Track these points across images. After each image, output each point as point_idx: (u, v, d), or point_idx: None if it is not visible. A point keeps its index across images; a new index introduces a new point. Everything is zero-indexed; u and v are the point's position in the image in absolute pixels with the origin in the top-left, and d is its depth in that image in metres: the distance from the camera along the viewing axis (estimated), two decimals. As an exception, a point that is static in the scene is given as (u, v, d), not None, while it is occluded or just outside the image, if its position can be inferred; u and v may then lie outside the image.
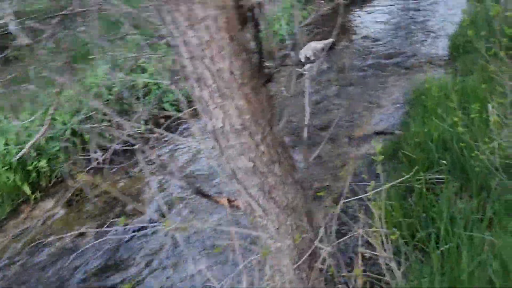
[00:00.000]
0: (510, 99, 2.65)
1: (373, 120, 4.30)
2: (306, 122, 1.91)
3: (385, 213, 1.99)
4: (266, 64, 1.45)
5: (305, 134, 1.98)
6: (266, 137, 1.34)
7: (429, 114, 3.55)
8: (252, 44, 1.42)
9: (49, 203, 4.03)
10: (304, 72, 5.74)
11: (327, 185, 3.51)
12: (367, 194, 1.84)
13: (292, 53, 1.68)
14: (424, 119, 3.47)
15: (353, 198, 1.93)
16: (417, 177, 2.74)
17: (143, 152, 1.55)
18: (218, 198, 1.76)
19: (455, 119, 2.89)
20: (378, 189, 1.88)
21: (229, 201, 1.67)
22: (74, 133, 4.57)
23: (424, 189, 2.69)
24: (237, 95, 1.23)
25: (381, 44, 6.33)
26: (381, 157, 1.91)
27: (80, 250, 3.11)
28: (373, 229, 1.86)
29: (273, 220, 1.50)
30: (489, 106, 2.73)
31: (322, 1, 8.60)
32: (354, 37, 6.91)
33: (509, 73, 2.74)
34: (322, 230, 1.63)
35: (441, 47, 5.42)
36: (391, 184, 2.05)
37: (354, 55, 6.09)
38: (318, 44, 6.18)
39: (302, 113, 2.01)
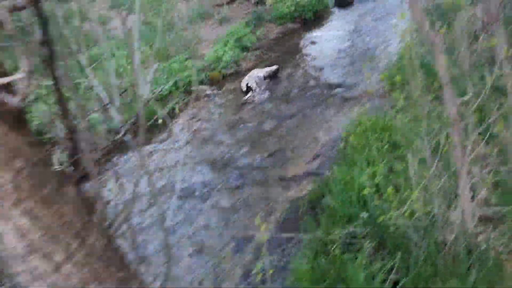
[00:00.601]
0: (429, 148, 2.51)
1: (307, 158, 4.12)
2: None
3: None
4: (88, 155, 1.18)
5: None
6: (75, 253, 1.06)
7: (357, 156, 3.40)
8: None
9: None
10: (245, 102, 5.54)
11: (251, 235, 3.27)
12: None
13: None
14: (350, 163, 3.31)
15: None
16: (333, 235, 2.55)
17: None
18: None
19: (375, 168, 2.74)
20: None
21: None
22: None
23: (340, 248, 2.50)
24: (16, 213, 0.96)
25: (325, 72, 6.25)
26: (265, 237, 1.67)
27: None
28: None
29: None
30: (409, 155, 2.58)
31: (273, 25, 8.53)
32: (300, 63, 6.81)
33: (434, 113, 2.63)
34: None
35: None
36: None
37: (297, 84, 5.96)
38: (260, 72, 6.02)
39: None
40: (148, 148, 4.83)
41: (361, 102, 4.87)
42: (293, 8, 8.10)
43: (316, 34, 8.23)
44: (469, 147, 1.70)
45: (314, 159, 4.06)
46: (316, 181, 3.63)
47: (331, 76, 6.01)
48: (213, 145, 4.62)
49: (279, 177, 3.88)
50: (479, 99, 1.70)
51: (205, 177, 4.02)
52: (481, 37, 4.14)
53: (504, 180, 2.47)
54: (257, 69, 6.14)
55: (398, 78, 3.15)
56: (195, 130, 5.07)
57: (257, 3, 9.10)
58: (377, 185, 2.85)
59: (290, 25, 8.66)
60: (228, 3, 9.25)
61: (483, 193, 2.26)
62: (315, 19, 9.11)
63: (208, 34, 8.06)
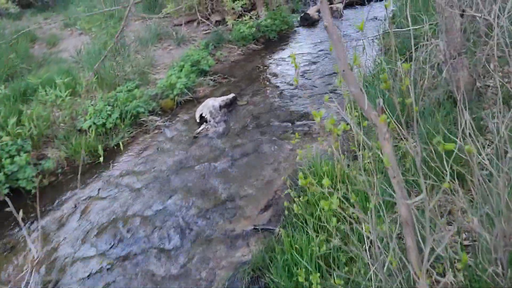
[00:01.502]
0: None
1: (259, 207, 3.65)
2: None
3: None
4: None
5: None
6: None
7: (307, 216, 2.95)
8: None
9: None
10: (198, 136, 5.04)
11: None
12: None
13: None
14: (300, 225, 2.85)
15: None
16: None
17: None
18: None
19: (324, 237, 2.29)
20: None
21: None
22: None
23: None
24: None
25: (286, 100, 5.84)
26: None
27: None
28: None
29: None
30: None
31: (234, 46, 8.11)
32: (260, 88, 6.39)
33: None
34: None
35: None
36: None
37: (256, 114, 5.51)
38: (215, 102, 5.54)
39: None
40: (81, 195, 4.24)
41: (322, 137, 4.47)
42: (253, 29, 7.70)
43: (279, 55, 7.86)
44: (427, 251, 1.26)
45: (266, 208, 3.59)
46: (264, 240, 3.16)
47: (292, 105, 5.60)
48: (153, 193, 4.07)
49: (225, 233, 3.38)
50: (437, 197, 1.27)
51: (137, 237, 3.46)
52: (445, 70, 3.82)
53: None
54: (212, 98, 5.66)
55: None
56: (136, 172, 4.51)
57: (219, 22, 8.68)
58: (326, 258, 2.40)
59: (252, 46, 8.28)
60: (187, 23, 8.80)
61: None
62: (279, 39, 8.78)
63: (164, 57, 7.55)
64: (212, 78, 6.85)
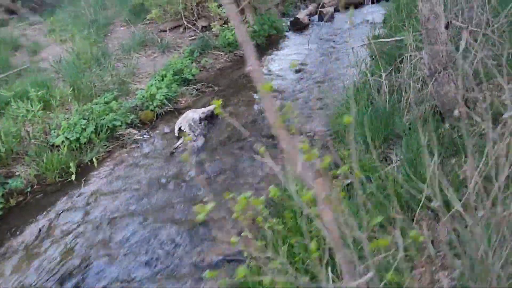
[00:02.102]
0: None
1: (232, 234, 3.39)
2: None
3: None
4: None
5: None
6: None
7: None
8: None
9: None
10: (174, 151, 4.80)
11: None
12: None
13: None
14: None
15: None
16: None
17: None
18: None
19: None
20: None
21: None
22: None
23: None
24: None
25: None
26: None
27: None
28: None
29: None
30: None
31: (221, 53, 7.87)
32: (244, 99, 6.15)
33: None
34: None
35: (325, 126, 4.73)
36: None
37: (236, 126, 5.25)
38: (196, 114, 5.30)
39: None
40: (47, 217, 4.00)
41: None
42: (239, 35, 7.44)
43: (266, 62, 7.62)
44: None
45: (239, 235, 3.34)
46: (233, 272, 2.91)
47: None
48: (123, 217, 3.83)
49: (194, 264, 3.14)
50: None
51: (100, 270, 3.22)
52: (430, 84, 3.59)
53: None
54: (192, 110, 5.42)
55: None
56: (107, 192, 4.27)
57: (205, 28, 8.44)
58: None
59: (239, 52, 8.03)
60: (173, 29, 8.56)
61: None
62: (268, 44, 8.54)
63: (147, 65, 7.31)
64: (195, 87, 6.61)
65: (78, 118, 5.12)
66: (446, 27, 3.29)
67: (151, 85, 5.99)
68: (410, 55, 3.62)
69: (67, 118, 5.14)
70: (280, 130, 1.08)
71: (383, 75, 4.22)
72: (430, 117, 3.70)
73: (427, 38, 3.27)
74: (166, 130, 5.49)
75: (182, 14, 8.32)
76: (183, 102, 6.23)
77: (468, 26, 3.10)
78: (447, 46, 3.31)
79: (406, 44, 3.81)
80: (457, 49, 3.46)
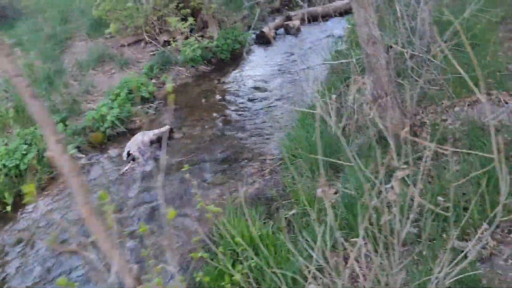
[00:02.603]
0: None
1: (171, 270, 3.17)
2: None
3: None
4: None
5: None
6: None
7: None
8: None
9: None
10: (119, 178, 4.55)
11: None
12: None
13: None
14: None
15: None
16: None
17: None
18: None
19: None
20: None
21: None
22: None
23: None
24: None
25: (227, 132, 5.41)
26: None
27: None
28: None
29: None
30: None
31: (182, 68, 7.66)
32: (202, 117, 5.94)
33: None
34: None
35: (276, 153, 4.55)
36: None
37: (191, 149, 5.06)
38: (146, 137, 5.06)
39: None
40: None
41: (249, 182, 4.07)
42: (199, 51, 7.27)
43: (228, 78, 7.45)
44: None
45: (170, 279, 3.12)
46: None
47: (233, 140, 5.16)
48: (55, 258, 3.56)
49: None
50: None
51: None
52: (373, 110, 3.47)
53: None
54: (142, 132, 5.18)
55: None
56: (42, 227, 3.98)
57: (168, 43, 8.21)
58: None
59: (202, 68, 7.85)
60: (134, 44, 8.31)
61: None
62: (232, 59, 8.38)
63: (104, 82, 7.03)
64: (152, 105, 6.38)
65: (19, 143, 4.81)
66: (387, 51, 3.19)
67: (103, 105, 5.72)
68: (355, 78, 3.49)
69: (7, 143, 4.83)
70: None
71: (333, 96, 4.10)
72: (376, 143, 3.58)
73: (368, 63, 3.15)
74: (117, 153, 5.23)
75: (143, 29, 8.09)
76: (138, 122, 5.98)
77: (408, 51, 3.00)
78: (389, 71, 3.20)
79: (349, 68, 3.70)
80: (399, 74, 3.36)
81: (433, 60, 3.16)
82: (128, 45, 8.25)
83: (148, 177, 4.56)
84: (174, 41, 7.45)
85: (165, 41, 8.24)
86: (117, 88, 6.25)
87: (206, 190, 4.12)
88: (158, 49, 8.03)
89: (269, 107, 5.94)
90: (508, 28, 4.96)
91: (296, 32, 9.48)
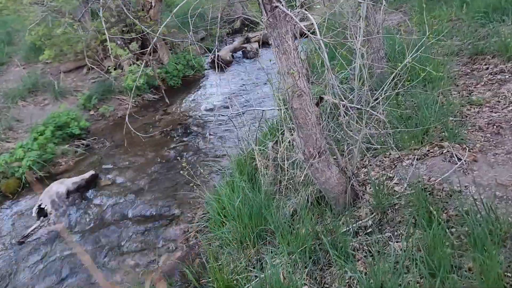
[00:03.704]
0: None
1: None
2: None
3: None
4: None
5: None
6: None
7: None
8: None
9: None
10: (23, 240, 3.83)
11: None
12: None
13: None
14: None
15: None
16: None
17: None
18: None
19: None
20: None
21: None
22: None
23: None
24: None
25: (161, 177, 4.77)
26: None
27: None
28: None
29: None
30: None
31: (126, 97, 6.99)
32: (138, 158, 5.29)
33: None
34: None
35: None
36: None
37: (116, 202, 4.38)
38: (62, 187, 4.36)
39: None
40: None
41: (171, 249, 3.44)
42: (141, 80, 6.63)
43: (176, 108, 6.84)
44: None
45: None
46: None
47: (166, 188, 4.51)
48: None
49: None
50: None
51: None
52: (305, 171, 2.93)
53: None
54: (59, 181, 4.48)
55: None
56: None
57: (114, 68, 7.53)
58: None
59: (149, 96, 7.21)
60: (75, 70, 7.60)
61: None
62: (184, 85, 7.79)
63: (34, 115, 6.28)
64: (84, 142, 5.68)
65: None
66: (317, 104, 2.66)
67: (20, 147, 4.99)
68: (282, 133, 2.96)
69: None
70: None
71: (270, 144, 3.56)
72: (314, 205, 3.03)
73: (295, 119, 2.61)
74: (30, 205, 4.49)
75: (85, 54, 7.39)
76: (63, 164, 5.27)
77: (344, 103, 2.49)
78: (320, 126, 2.67)
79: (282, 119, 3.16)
80: (337, 127, 2.84)
81: (373, 112, 2.66)
82: (69, 71, 7.54)
83: (53, 242, 3.85)
84: (114, 69, 6.78)
85: (109, 67, 7.57)
86: (42, 125, 5.53)
87: (120, 262, 3.45)
88: (101, 76, 7.35)
89: (212, 144, 5.36)
90: (465, 61, 4.59)
91: (254, 55, 9.01)
